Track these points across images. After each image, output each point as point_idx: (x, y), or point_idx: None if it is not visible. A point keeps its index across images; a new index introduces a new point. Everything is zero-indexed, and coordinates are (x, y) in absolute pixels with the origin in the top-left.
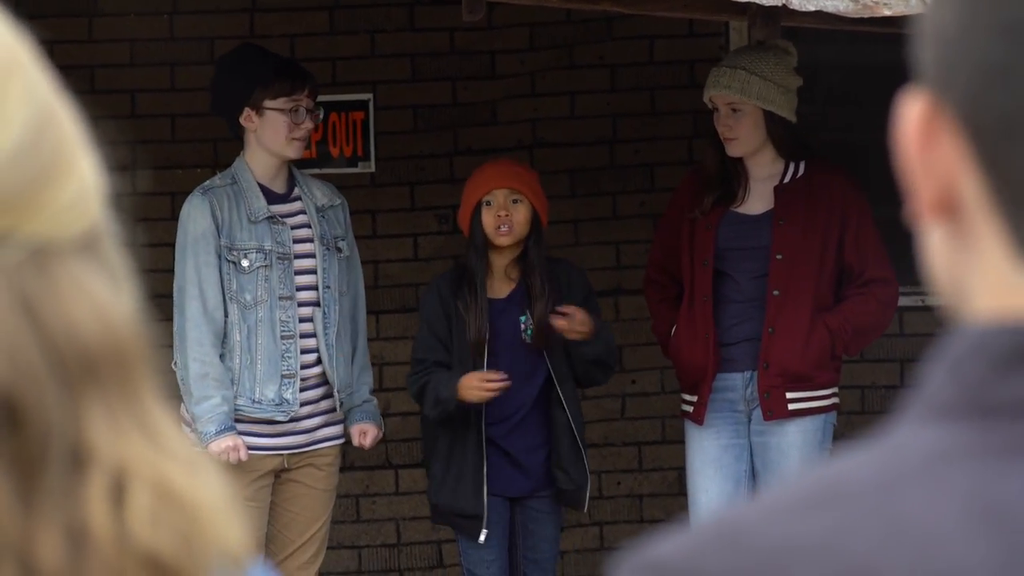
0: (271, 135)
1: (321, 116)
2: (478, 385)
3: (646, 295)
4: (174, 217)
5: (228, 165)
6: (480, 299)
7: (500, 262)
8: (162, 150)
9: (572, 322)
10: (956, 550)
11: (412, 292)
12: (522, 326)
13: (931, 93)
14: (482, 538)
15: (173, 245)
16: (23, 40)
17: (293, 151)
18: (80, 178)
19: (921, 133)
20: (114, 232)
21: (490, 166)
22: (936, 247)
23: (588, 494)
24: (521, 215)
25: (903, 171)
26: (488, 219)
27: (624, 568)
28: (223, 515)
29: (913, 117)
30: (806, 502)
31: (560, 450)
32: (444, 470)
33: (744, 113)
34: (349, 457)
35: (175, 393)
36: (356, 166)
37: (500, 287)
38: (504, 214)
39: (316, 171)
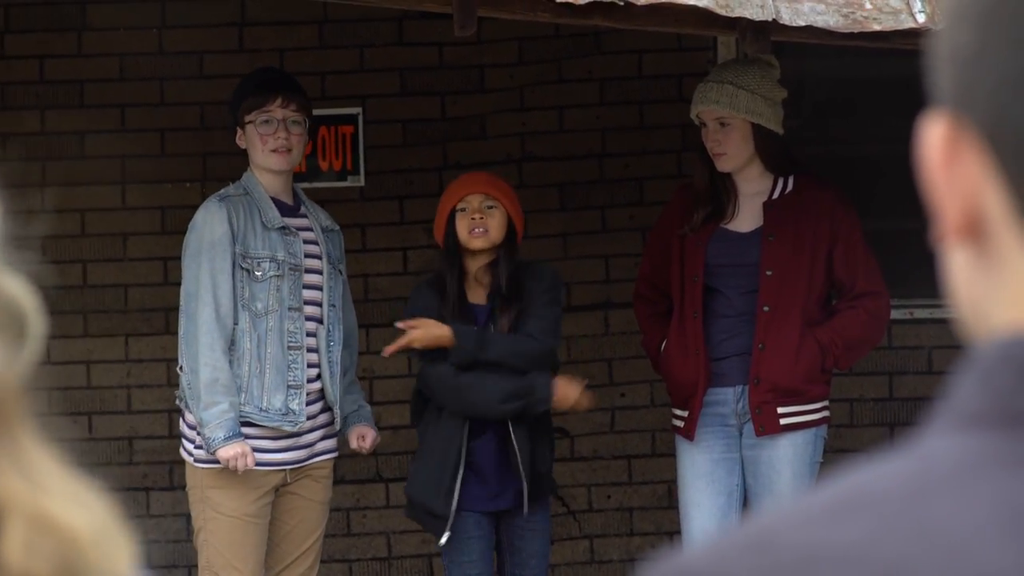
0: (252, 150)
1: (307, 126)
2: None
3: (635, 310)
4: (164, 231)
5: (218, 180)
6: (456, 305)
7: (474, 266)
8: (152, 165)
9: (410, 338)
10: (985, 556)
11: (401, 306)
12: (491, 329)
13: (951, 114)
14: (442, 541)
15: (163, 259)
16: None
17: (274, 163)
18: None
19: (944, 154)
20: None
21: (464, 176)
22: (959, 268)
23: (553, 484)
24: (496, 220)
25: (927, 194)
26: (462, 224)
27: (654, 575)
28: (106, 541)
29: (935, 139)
30: (836, 509)
31: (519, 442)
32: (424, 465)
33: (733, 127)
34: (340, 471)
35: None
36: (345, 180)
37: (477, 293)
38: (479, 217)
39: (305, 185)
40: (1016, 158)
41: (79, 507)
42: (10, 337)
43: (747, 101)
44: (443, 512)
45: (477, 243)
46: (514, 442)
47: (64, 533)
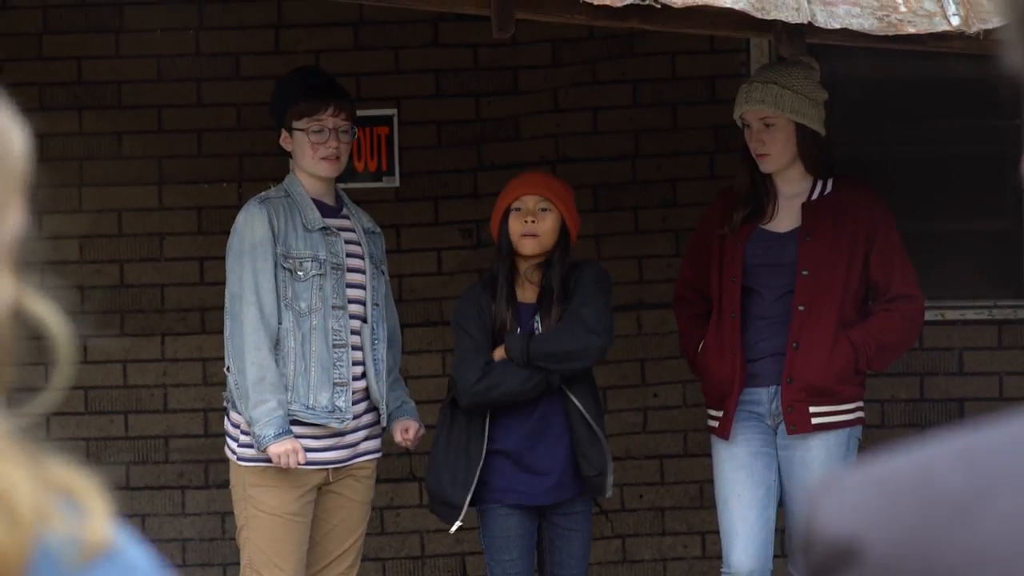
0: (300, 155)
1: (354, 134)
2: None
3: (676, 313)
4: (201, 231)
5: (254, 180)
6: (509, 304)
7: (525, 267)
8: (188, 165)
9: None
10: None
11: (436, 306)
12: (535, 325)
13: None
14: (453, 529)
15: (199, 259)
16: None
17: (323, 170)
18: None
19: None
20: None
21: (524, 174)
22: None
23: (610, 481)
24: (548, 224)
25: None
26: (515, 225)
27: (853, 479)
28: (40, 517)
29: None
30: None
31: (577, 438)
32: (441, 457)
33: (777, 128)
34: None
35: (214, 404)
36: (381, 180)
37: (529, 293)
38: (531, 220)
39: (341, 185)
40: None
41: (17, 475)
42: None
43: (792, 101)
44: (457, 501)
45: (527, 248)
46: (571, 394)
47: None
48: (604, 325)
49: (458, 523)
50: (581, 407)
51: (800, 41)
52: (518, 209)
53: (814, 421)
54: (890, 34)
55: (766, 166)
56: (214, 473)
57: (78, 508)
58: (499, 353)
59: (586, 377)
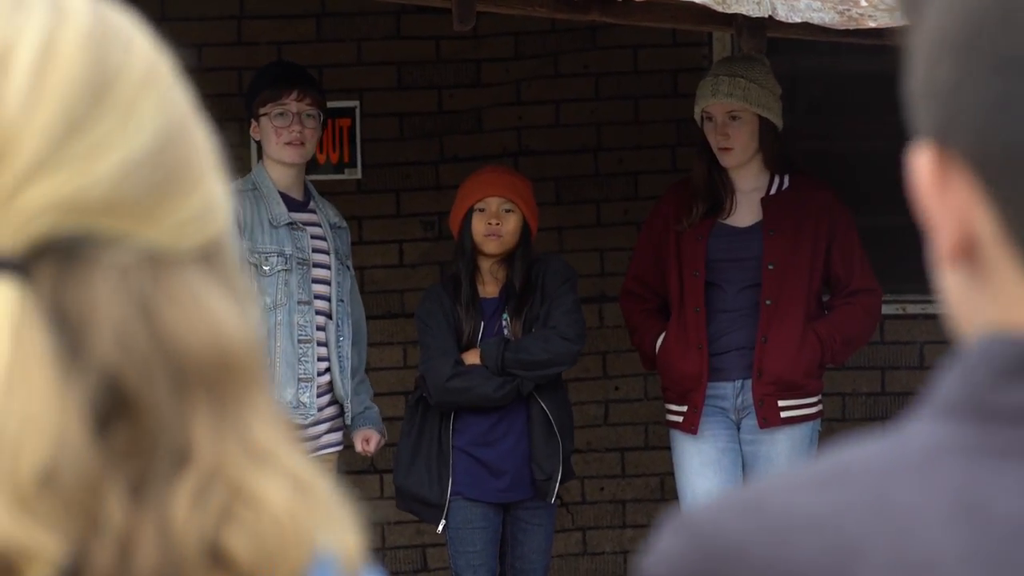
0: (266, 142)
1: (322, 122)
2: None
3: (625, 308)
4: None
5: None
6: (472, 303)
7: (487, 264)
8: None
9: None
10: (934, 539)
11: (397, 298)
12: (503, 323)
13: (935, 143)
14: (440, 528)
15: None
16: (167, 57)
17: (287, 155)
18: (205, 194)
19: (933, 183)
20: (236, 251)
21: (486, 172)
22: (954, 289)
23: (555, 486)
24: (512, 224)
25: (923, 222)
26: (478, 225)
27: (666, 526)
28: (313, 526)
29: (923, 169)
30: (817, 479)
31: (535, 442)
32: (411, 456)
33: (743, 122)
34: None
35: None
36: (342, 172)
37: (490, 287)
38: (495, 222)
39: (309, 181)
40: (1003, 179)
41: (289, 486)
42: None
43: (758, 95)
44: (438, 500)
45: (492, 248)
46: (537, 395)
47: (271, 513)
48: (577, 331)
49: (443, 521)
50: (549, 413)
51: (761, 35)
52: (481, 210)
53: (783, 415)
54: (851, 28)
55: (728, 160)
56: None
57: (338, 525)
58: (471, 357)
59: (556, 383)
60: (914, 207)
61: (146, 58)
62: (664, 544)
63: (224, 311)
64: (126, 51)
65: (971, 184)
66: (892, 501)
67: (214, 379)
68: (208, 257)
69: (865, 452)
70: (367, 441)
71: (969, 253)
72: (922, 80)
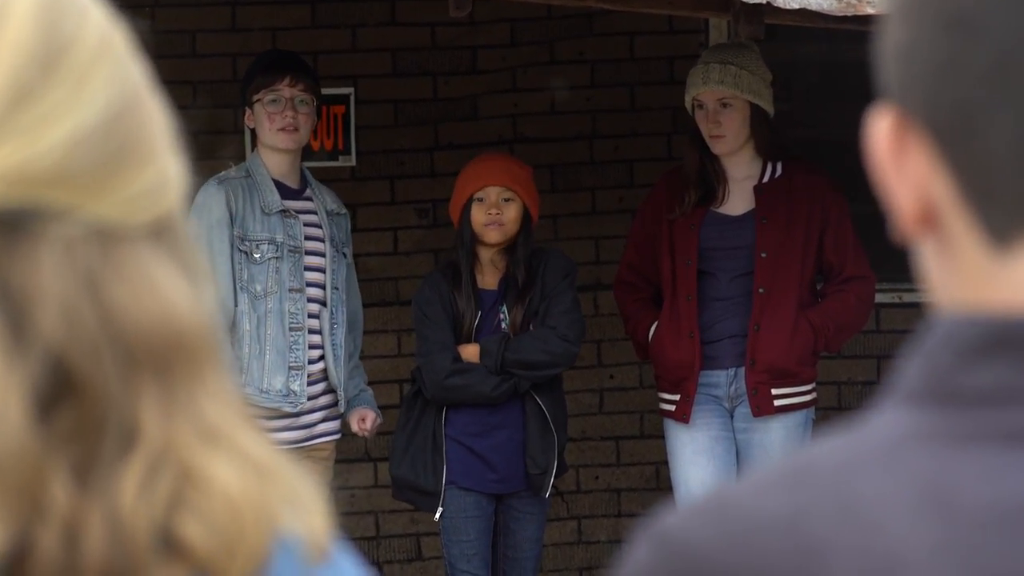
0: (260, 129)
1: (316, 108)
2: None
3: (619, 297)
4: None
5: (207, 159)
6: (471, 293)
7: (487, 254)
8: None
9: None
10: (902, 533)
11: (392, 286)
12: (501, 316)
13: (896, 106)
14: (437, 516)
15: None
16: (122, 30)
17: (281, 141)
18: (157, 169)
19: (891, 146)
20: (188, 228)
21: (486, 161)
22: (925, 259)
23: (550, 480)
24: (512, 213)
25: (881, 189)
26: (478, 215)
27: (639, 537)
28: (281, 510)
29: (881, 133)
30: (781, 480)
31: (530, 436)
32: (405, 446)
33: (735, 109)
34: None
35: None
36: (337, 160)
37: (489, 278)
38: (495, 212)
39: (306, 168)
40: (955, 141)
41: (244, 468)
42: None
43: (750, 82)
44: (433, 488)
45: (492, 238)
46: (533, 391)
47: (226, 497)
48: (576, 332)
49: (440, 509)
50: (544, 407)
51: (758, 21)
52: (481, 199)
53: (776, 403)
54: (849, 14)
55: (720, 148)
56: None
57: (301, 508)
58: (468, 352)
59: (554, 380)
60: (872, 176)
61: (100, 29)
62: (636, 554)
63: (175, 289)
64: (80, 21)
65: (928, 149)
66: (856, 496)
67: (164, 359)
68: (159, 233)
69: (828, 448)
70: (363, 420)
71: (930, 222)
72: (886, 40)
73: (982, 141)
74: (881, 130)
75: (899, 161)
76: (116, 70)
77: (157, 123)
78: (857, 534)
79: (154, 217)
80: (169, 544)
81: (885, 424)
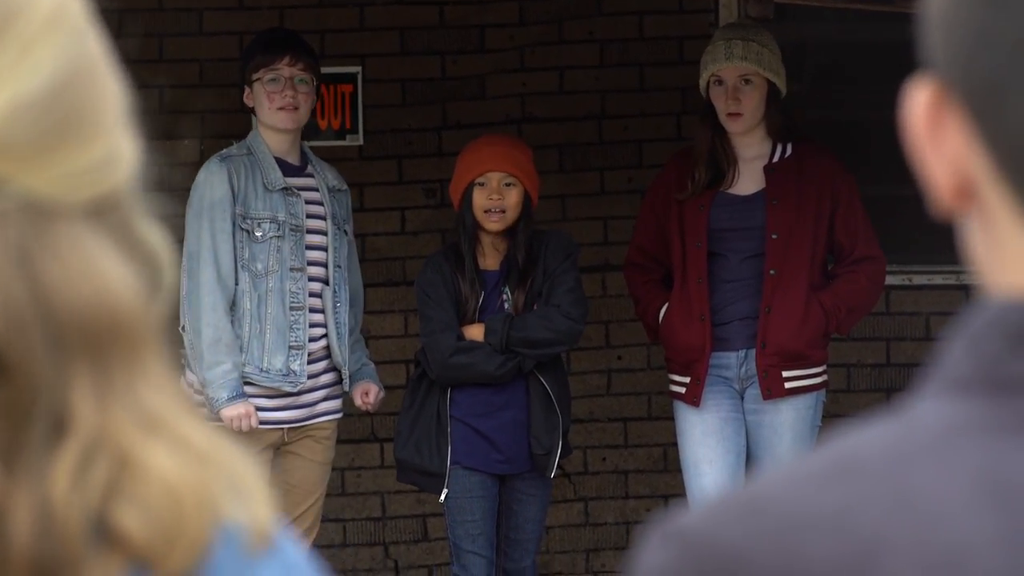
0: (259, 108)
1: (316, 87)
2: None
3: (629, 279)
4: (160, 188)
5: (216, 137)
6: (474, 276)
7: (488, 237)
8: (150, 121)
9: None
10: (961, 525)
11: (399, 265)
12: (504, 297)
13: (936, 77)
14: (442, 497)
15: (162, 217)
16: (82, 6)
17: (280, 121)
18: (104, 147)
19: (928, 120)
20: (139, 208)
21: (486, 145)
22: (970, 235)
23: (554, 461)
24: (513, 198)
25: (917, 163)
26: (479, 200)
27: (653, 536)
28: (224, 499)
29: (919, 106)
30: (823, 474)
31: (534, 417)
32: (410, 428)
33: (754, 86)
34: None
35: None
36: (344, 139)
37: (491, 260)
38: (497, 198)
39: (306, 145)
40: (987, 115)
41: (184, 456)
42: (146, 278)
43: (770, 60)
44: (438, 469)
45: (494, 226)
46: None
47: (165, 485)
48: (580, 310)
49: (445, 490)
50: (548, 387)
51: (769, 1)
52: (482, 184)
53: (787, 385)
54: None
55: (736, 126)
56: None
57: (244, 495)
58: (472, 332)
59: (555, 358)
60: (908, 149)
61: (55, 0)
62: (653, 556)
63: (113, 271)
64: None
65: (964, 123)
66: (910, 489)
67: (98, 342)
68: (102, 213)
69: (871, 439)
70: (366, 394)
71: (967, 198)
72: (929, 9)
73: (1013, 115)
74: (919, 103)
75: (936, 135)
76: (67, 42)
77: (110, 100)
78: (915, 528)
79: (96, 195)
80: (104, 534)
81: (933, 413)
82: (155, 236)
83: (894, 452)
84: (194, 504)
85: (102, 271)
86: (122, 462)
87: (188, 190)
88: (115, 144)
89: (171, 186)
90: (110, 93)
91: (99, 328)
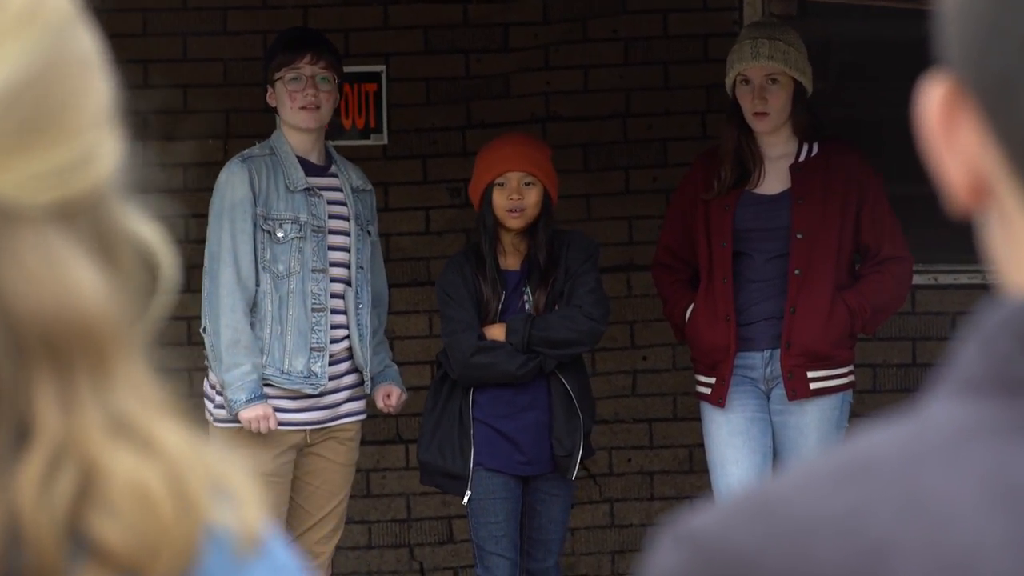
0: (281, 108)
1: (338, 86)
2: None
3: (657, 279)
4: (186, 188)
5: (240, 136)
6: (495, 276)
7: (509, 236)
8: (174, 120)
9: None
10: (972, 528)
11: (423, 265)
12: (525, 297)
13: (951, 73)
14: (465, 499)
15: (184, 216)
16: (66, 2)
17: (302, 120)
18: (76, 148)
19: (942, 117)
20: (126, 208)
21: (505, 144)
22: (990, 237)
23: (576, 463)
24: (533, 197)
25: (931, 161)
26: (500, 200)
27: (665, 539)
28: (211, 503)
29: (933, 103)
30: (834, 476)
31: (556, 418)
32: (432, 430)
33: (781, 86)
34: (361, 431)
35: (199, 363)
36: (369, 138)
37: (512, 260)
38: (517, 197)
39: (330, 145)
40: (999, 112)
41: (161, 462)
42: (130, 280)
43: (796, 59)
44: (461, 472)
45: (515, 224)
46: (559, 372)
47: (130, 488)
48: (602, 310)
49: (468, 492)
50: (570, 389)
51: None
52: (502, 184)
53: (812, 386)
54: None
55: (763, 125)
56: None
57: (231, 498)
58: (493, 332)
59: (577, 359)
60: (921, 146)
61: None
62: (664, 559)
63: (79, 275)
64: None
65: (978, 120)
66: (921, 491)
67: (62, 347)
68: (72, 215)
69: (883, 440)
70: (388, 396)
71: (983, 196)
72: (944, 4)
73: (1022, 113)
74: (933, 100)
75: (950, 132)
76: (38, 40)
77: (90, 99)
78: (925, 531)
79: (65, 197)
80: (85, 546)
81: (945, 415)
82: (150, 236)
83: (905, 454)
84: (175, 510)
85: (65, 276)
86: (89, 469)
87: (211, 190)
88: (92, 144)
89: (195, 186)
90: (92, 91)
91: (61, 333)
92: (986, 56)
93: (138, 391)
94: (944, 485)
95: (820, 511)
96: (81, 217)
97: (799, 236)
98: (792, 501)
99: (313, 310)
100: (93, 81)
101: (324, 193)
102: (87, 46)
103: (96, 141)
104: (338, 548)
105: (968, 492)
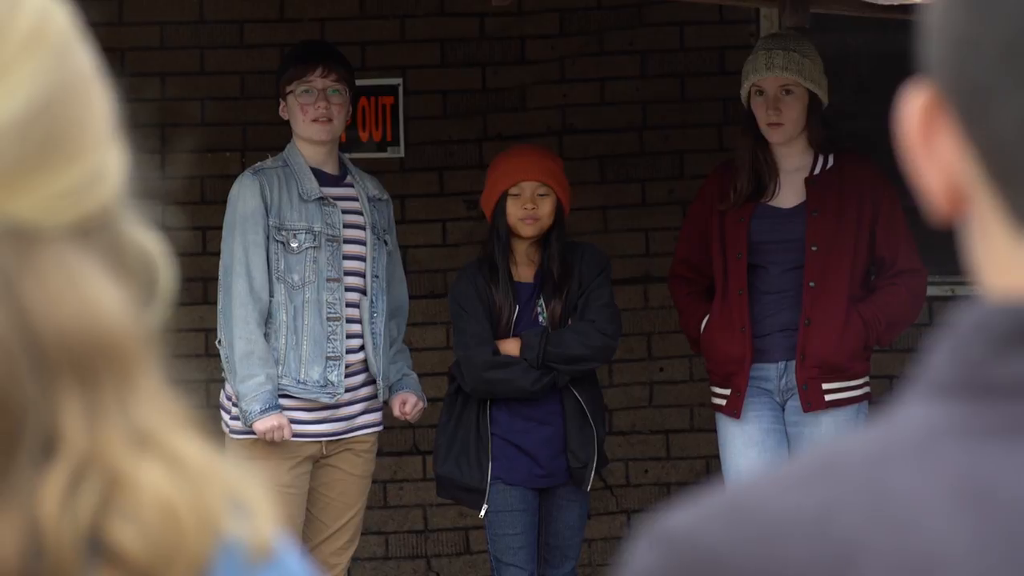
0: (294, 121)
1: (348, 95)
2: None
3: (673, 291)
4: (204, 201)
5: (257, 149)
6: (508, 288)
7: (522, 247)
8: (191, 134)
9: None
10: (940, 530)
11: (441, 278)
12: (539, 309)
13: (930, 83)
14: (482, 513)
15: (202, 228)
16: (66, 18)
17: (315, 133)
18: (89, 166)
19: (921, 127)
20: (133, 220)
21: (518, 155)
22: (971, 244)
23: (591, 474)
24: (547, 207)
25: (910, 170)
26: (513, 210)
27: (641, 538)
28: (225, 514)
29: (913, 113)
30: (804, 477)
31: (570, 431)
32: (448, 444)
33: (795, 97)
34: (378, 443)
35: (215, 375)
36: (385, 151)
37: (525, 271)
38: (531, 207)
39: (346, 155)
40: (974, 122)
41: (181, 473)
42: (140, 292)
43: (811, 70)
44: (478, 485)
45: (528, 232)
46: (571, 385)
47: (149, 498)
48: (615, 326)
49: (485, 506)
50: (583, 403)
51: (804, 10)
52: (516, 194)
53: (828, 398)
54: (896, 3)
55: (777, 136)
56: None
57: (245, 509)
58: (508, 347)
59: (590, 375)
60: (900, 154)
61: (35, 17)
62: (639, 559)
63: (100, 291)
64: (12, 9)
65: (955, 129)
66: (889, 492)
67: (87, 363)
68: (89, 232)
69: (854, 442)
70: (404, 403)
71: (961, 203)
72: (926, 17)
73: (997, 122)
74: (912, 110)
75: (928, 141)
76: (47, 61)
77: (96, 115)
78: (891, 532)
79: (81, 215)
80: (101, 552)
81: (915, 417)
82: (152, 246)
83: (874, 456)
84: (191, 520)
85: (87, 292)
86: (113, 481)
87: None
88: (101, 160)
89: (212, 199)
90: (96, 108)
91: (86, 350)
92: (962, 66)
93: (158, 404)
94: (912, 487)
95: (790, 512)
96: (95, 233)
97: (814, 248)
98: (764, 502)
99: (328, 319)
100: (96, 97)
101: (339, 202)
102: (88, 62)
103: (105, 156)
104: (355, 559)
105: (936, 494)
